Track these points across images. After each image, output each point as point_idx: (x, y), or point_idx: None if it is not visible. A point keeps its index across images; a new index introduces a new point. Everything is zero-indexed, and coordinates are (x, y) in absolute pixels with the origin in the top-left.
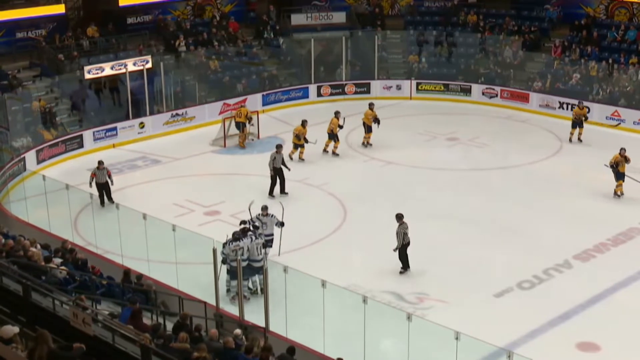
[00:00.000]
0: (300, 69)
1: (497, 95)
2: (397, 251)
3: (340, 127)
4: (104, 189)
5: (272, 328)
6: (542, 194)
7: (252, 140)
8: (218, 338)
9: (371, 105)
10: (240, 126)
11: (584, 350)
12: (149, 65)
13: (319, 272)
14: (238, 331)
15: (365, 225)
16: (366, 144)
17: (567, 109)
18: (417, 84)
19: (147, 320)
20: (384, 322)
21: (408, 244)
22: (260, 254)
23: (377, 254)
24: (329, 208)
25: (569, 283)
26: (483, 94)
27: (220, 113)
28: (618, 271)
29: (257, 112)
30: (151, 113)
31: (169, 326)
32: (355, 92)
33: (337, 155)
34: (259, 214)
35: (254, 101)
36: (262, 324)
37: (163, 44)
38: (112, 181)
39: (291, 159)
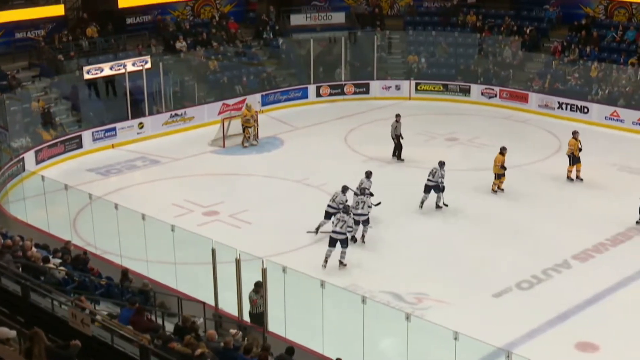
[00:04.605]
0: (300, 69)
1: (496, 96)
2: None
3: (580, 149)
4: None
5: (271, 328)
6: (541, 194)
7: (256, 142)
8: (217, 339)
9: (575, 134)
10: (246, 127)
11: (582, 350)
12: (148, 65)
13: (318, 273)
14: (234, 331)
15: None
16: (575, 178)
17: (566, 109)
18: (416, 84)
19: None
20: (382, 322)
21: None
22: (364, 209)
23: (377, 254)
24: None
25: (567, 283)
26: (482, 94)
27: (220, 113)
28: (617, 271)
29: (257, 112)
30: (150, 113)
31: (168, 326)
32: (355, 93)
33: (581, 180)
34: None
35: (253, 101)
36: (261, 324)
37: (162, 44)
38: None
39: (494, 191)
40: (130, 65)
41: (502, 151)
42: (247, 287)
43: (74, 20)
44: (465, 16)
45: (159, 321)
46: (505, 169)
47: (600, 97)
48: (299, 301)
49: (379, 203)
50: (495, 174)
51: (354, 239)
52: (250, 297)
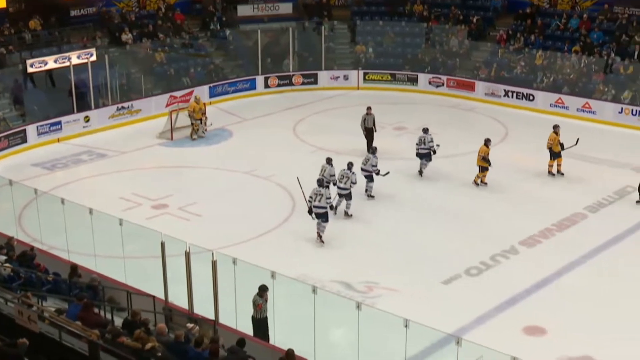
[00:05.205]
0: (247, 61)
1: (443, 85)
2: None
3: (561, 145)
4: None
5: (221, 320)
6: (488, 181)
7: (204, 134)
8: (167, 332)
9: (556, 128)
10: (194, 120)
11: (530, 334)
12: (94, 58)
13: (268, 263)
14: (190, 325)
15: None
16: (555, 172)
17: (512, 97)
18: (364, 74)
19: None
20: (333, 312)
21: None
22: (347, 184)
23: (326, 243)
24: (277, 199)
25: (515, 268)
26: (430, 83)
27: (167, 105)
28: (563, 256)
29: (205, 104)
30: (96, 106)
31: (118, 321)
32: (303, 83)
33: (562, 174)
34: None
35: (200, 93)
36: (212, 317)
37: (108, 36)
38: None
39: (477, 184)
40: (75, 58)
41: (487, 143)
42: (197, 280)
43: (16, 12)
44: (412, 5)
45: (108, 316)
46: (488, 161)
47: (545, 84)
48: (250, 293)
49: (388, 173)
50: (479, 167)
51: (331, 207)
52: (254, 302)
